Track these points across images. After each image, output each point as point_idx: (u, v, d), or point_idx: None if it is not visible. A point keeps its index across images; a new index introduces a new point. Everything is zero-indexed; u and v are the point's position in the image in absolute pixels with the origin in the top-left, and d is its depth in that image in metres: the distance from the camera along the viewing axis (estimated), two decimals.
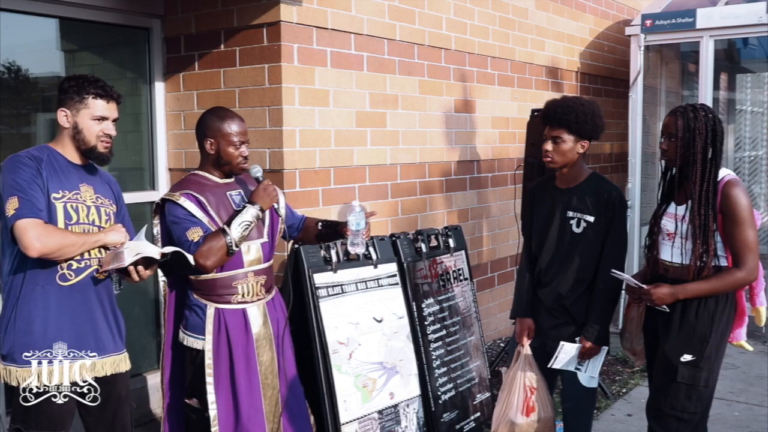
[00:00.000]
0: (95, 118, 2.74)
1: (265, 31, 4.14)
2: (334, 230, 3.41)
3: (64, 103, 2.75)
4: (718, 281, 2.93)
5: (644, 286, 3.05)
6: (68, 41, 4.42)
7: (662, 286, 2.99)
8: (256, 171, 3.18)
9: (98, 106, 2.75)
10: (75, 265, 2.70)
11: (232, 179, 3.23)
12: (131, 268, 2.67)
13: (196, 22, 4.39)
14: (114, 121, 2.81)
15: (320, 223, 3.46)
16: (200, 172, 3.20)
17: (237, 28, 4.24)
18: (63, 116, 2.75)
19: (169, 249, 2.78)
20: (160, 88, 4.56)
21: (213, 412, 3.10)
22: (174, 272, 2.97)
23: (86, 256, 2.72)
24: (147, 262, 2.71)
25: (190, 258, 2.84)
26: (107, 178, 2.95)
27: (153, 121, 4.57)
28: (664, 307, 3.01)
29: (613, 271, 3.14)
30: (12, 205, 2.57)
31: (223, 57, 4.32)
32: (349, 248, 3.31)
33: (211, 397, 3.11)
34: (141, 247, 2.70)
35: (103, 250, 2.75)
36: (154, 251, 2.72)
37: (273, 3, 4.07)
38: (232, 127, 3.11)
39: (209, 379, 3.10)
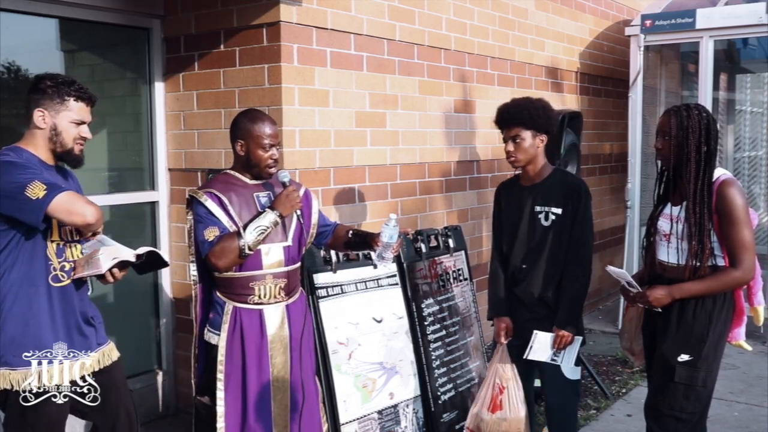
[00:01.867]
0: (74, 121, 2.70)
1: (264, 32, 4.14)
2: (364, 240, 3.33)
3: (42, 103, 2.68)
4: (715, 281, 2.94)
5: (637, 287, 3.05)
6: (68, 41, 4.42)
7: (658, 287, 2.99)
8: (284, 176, 3.16)
9: (78, 109, 2.71)
10: (67, 266, 2.70)
11: (263, 181, 3.22)
12: (107, 272, 2.68)
13: (196, 22, 4.39)
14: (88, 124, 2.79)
15: (350, 232, 3.41)
16: (231, 172, 3.23)
17: (237, 29, 4.24)
18: (39, 117, 2.68)
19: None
20: (160, 88, 4.56)
21: (221, 408, 3.13)
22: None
23: (75, 257, 2.73)
24: (122, 264, 2.72)
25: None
26: (72, 176, 2.93)
27: (153, 121, 4.57)
28: (658, 309, 3.02)
29: (609, 267, 3.15)
30: (38, 188, 2.48)
31: (223, 57, 4.32)
32: (376, 260, 3.25)
33: (220, 393, 3.13)
34: (116, 252, 2.71)
35: (78, 246, 2.76)
36: (129, 254, 2.73)
37: (273, 3, 4.07)
38: (263, 130, 3.11)
39: (220, 375, 3.14)
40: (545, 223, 3.41)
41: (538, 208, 3.44)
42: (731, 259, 2.93)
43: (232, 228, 3.05)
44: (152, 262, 2.84)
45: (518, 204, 3.51)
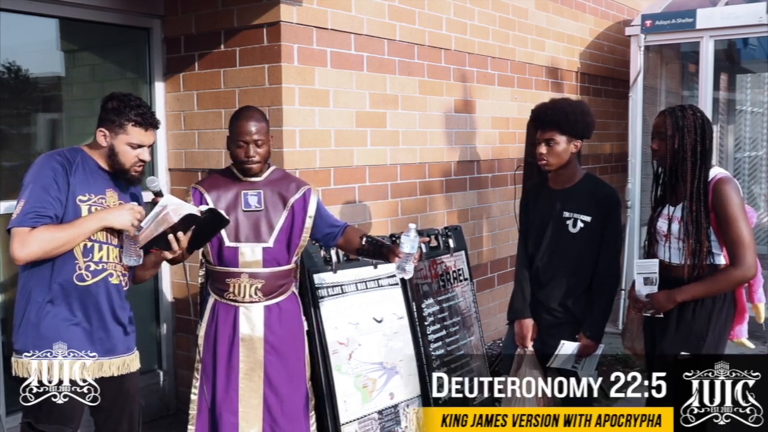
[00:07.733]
0: (131, 144, 2.74)
1: (265, 32, 4.14)
2: (378, 251, 3.20)
3: (104, 123, 2.74)
4: (716, 281, 2.93)
5: (644, 299, 3.06)
6: (68, 41, 4.42)
7: (659, 293, 3.01)
8: (152, 183, 2.77)
9: (136, 133, 2.73)
10: (93, 266, 2.71)
11: (259, 179, 3.17)
12: (171, 237, 2.68)
13: (196, 22, 4.39)
14: (150, 146, 2.81)
15: (364, 238, 3.29)
16: (230, 169, 3.22)
17: (237, 29, 4.24)
18: (101, 136, 2.74)
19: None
20: (160, 88, 4.55)
21: (194, 396, 3.22)
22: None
23: (104, 259, 2.73)
24: (187, 223, 2.70)
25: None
26: (134, 188, 2.93)
27: None
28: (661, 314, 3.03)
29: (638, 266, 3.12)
30: (18, 208, 2.59)
31: (223, 57, 4.31)
32: (397, 271, 3.08)
33: (195, 381, 3.22)
34: (181, 206, 2.67)
35: (114, 250, 2.74)
36: (194, 208, 2.71)
37: (273, 3, 4.06)
38: (239, 126, 3.09)
39: (197, 365, 3.23)
40: (573, 230, 3.36)
41: (566, 214, 3.38)
42: (731, 258, 2.93)
43: None
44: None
45: (546, 208, 3.45)
